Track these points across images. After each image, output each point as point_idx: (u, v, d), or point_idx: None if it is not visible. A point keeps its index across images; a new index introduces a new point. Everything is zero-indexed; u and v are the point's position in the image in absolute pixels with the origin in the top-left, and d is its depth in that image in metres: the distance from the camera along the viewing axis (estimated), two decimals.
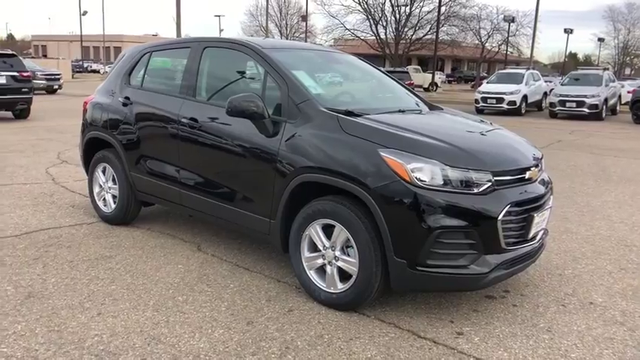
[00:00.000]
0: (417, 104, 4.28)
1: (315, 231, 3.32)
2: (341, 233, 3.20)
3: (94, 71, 58.45)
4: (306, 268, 3.41)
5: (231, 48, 4.03)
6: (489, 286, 3.37)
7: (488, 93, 19.62)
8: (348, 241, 3.19)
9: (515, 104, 18.99)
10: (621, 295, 3.70)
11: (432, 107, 4.38)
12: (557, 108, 18.27)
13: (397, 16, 35.16)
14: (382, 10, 34.85)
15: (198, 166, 4.05)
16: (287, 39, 45.79)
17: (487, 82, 21.26)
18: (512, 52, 50.99)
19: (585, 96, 17.75)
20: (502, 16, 42.95)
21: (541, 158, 3.66)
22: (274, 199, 3.49)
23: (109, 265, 3.94)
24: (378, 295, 3.23)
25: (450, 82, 58.38)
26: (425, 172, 2.97)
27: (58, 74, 24.29)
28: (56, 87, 23.58)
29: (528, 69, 21.43)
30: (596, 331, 3.16)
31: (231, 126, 3.72)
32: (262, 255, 4.22)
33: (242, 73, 3.99)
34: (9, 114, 13.53)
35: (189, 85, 4.15)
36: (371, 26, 35.79)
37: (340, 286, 3.25)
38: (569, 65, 58.11)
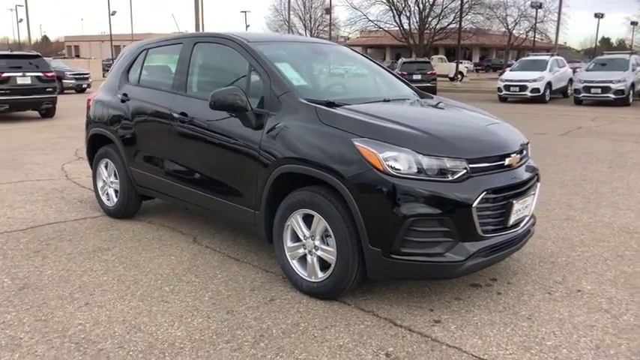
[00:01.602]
0: (406, 93, 4.26)
1: (296, 221, 3.36)
2: (319, 223, 3.24)
3: None
4: (288, 258, 3.46)
5: (219, 43, 4.09)
6: (467, 274, 3.35)
7: (511, 81, 19.25)
8: (326, 231, 3.22)
9: (539, 92, 18.58)
10: (612, 282, 3.63)
11: (422, 96, 4.35)
12: (582, 94, 17.78)
13: (420, 5, 34.73)
14: (405, 0, 34.45)
15: (189, 159, 4.14)
16: (311, 32, 45.78)
17: (510, 70, 20.86)
18: (542, 39, 49.79)
19: (611, 81, 17.22)
20: (529, 2, 41.94)
21: (526, 144, 3.61)
22: (258, 191, 3.54)
23: (105, 257, 4.07)
24: (357, 284, 3.25)
25: (477, 70, 57.44)
26: (398, 161, 2.97)
27: (87, 74, 24.89)
28: (85, 86, 24.18)
29: (552, 55, 20.92)
30: (577, 319, 3.11)
31: (217, 119, 3.79)
32: (254, 246, 4.28)
33: (229, 67, 4.05)
34: (36, 113, 13.99)
35: (181, 80, 4.24)
36: (394, 17, 35.44)
37: (320, 275, 3.29)
38: (601, 50, 56.40)
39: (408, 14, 34.99)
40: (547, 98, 18.96)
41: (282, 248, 3.49)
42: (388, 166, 2.96)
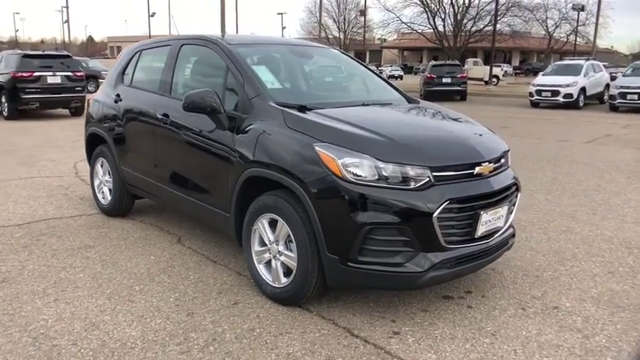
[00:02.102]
0: (391, 98, 4.18)
1: (262, 225, 3.34)
2: (283, 228, 3.21)
3: None
4: (255, 262, 3.44)
5: (202, 45, 4.11)
6: (430, 286, 3.26)
7: (543, 86, 18.71)
8: (289, 236, 3.18)
9: (572, 97, 17.98)
10: (594, 300, 3.46)
11: (410, 101, 4.27)
12: (618, 101, 17.09)
13: (456, 7, 34.14)
14: (440, 2, 33.97)
15: (170, 160, 4.18)
16: (345, 34, 45.74)
17: (542, 74, 20.26)
18: (585, 43, 48.21)
19: None
20: (571, 4, 40.70)
21: (505, 153, 3.48)
22: (229, 193, 3.54)
23: (88, 254, 4.15)
24: (318, 292, 3.20)
25: (517, 74, 56.08)
26: (357, 167, 2.91)
27: None
28: None
29: (588, 59, 20.22)
30: (545, 337, 2.97)
31: (193, 121, 3.80)
32: (235, 249, 4.27)
33: (210, 69, 4.06)
34: (66, 111, 14.45)
35: (166, 81, 4.28)
36: (428, 19, 35.01)
37: (283, 281, 3.26)
38: None
39: (442, 16, 34.53)
40: (581, 104, 18.33)
41: (249, 252, 3.47)
42: (347, 172, 2.90)
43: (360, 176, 2.90)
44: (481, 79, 33.65)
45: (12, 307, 3.26)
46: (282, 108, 3.33)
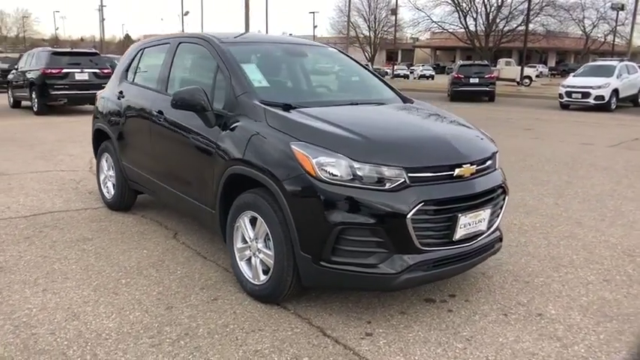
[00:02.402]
0: (385, 97, 4.15)
1: (243, 223, 3.37)
2: (262, 226, 3.22)
3: None
4: (237, 259, 3.47)
5: (196, 43, 4.16)
6: (405, 288, 3.22)
7: (573, 87, 18.22)
8: (268, 234, 3.19)
9: (604, 99, 17.45)
10: (582, 308, 3.36)
11: (405, 100, 4.23)
12: None
13: (487, 7, 33.48)
14: (472, 1, 33.39)
15: (164, 157, 4.25)
16: (375, 33, 45.48)
17: (573, 75, 19.71)
18: (627, 43, 46.55)
19: None
20: (609, 3, 39.41)
21: (491, 156, 3.40)
22: (214, 190, 3.57)
23: (85, 246, 4.25)
24: (296, 290, 3.20)
25: (553, 75, 54.76)
26: (331, 167, 2.90)
27: None
28: None
29: (622, 60, 19.57)
30: (521, 345, 2.90)
31: (185, 119, 3.86)
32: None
33: (203, 67, 4.10)
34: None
35: (163, 79, 4.36)
36: (460, 18, 34.46)
37: (262, 278, 3.27)
38: None
39: (474, 15, 33.91)
40: (613, 106, 17.77)
41: (232, 249, 3.50)
42: (321, 171, 2.90)
43: (335, 176, 2.89)
44: (513, 80, 32.99)
45: (1, 295, 3.37)
46: (265, 106, 3.35)
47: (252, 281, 3.34)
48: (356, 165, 2.89)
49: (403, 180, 2.91)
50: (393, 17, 43.98)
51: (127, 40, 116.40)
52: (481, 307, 3.35)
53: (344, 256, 2.91)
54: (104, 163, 5.33)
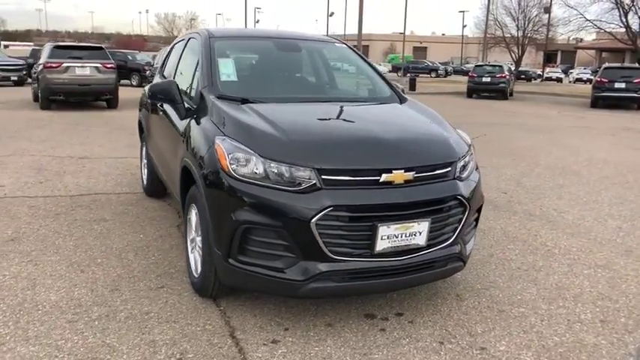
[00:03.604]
0: (367, 96, 3.95)
1: (190, 215, 3.41)
2: (197, 219, 3.23)
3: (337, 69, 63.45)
4: (189, 251, 3.52)
5: (194, 38, 4.29)
6: (315, 297, 3.01)
7: None
8: None
9: None
10: (542, 350, 2.84)
11: (402, 100, 3.93)
12: None
13: None
14: None
15: (160, 147, 4.48)
16: (524, 33, 42.35)
17: None
18: None
19: None
20: None
21: (449, 164, 3.01)
22: (178, 183, 3.66)
23: (95, 227, 4.62)
24: (222, 288, 3.15)
25: None
26: (243, 163, 2.82)
27: None
28: None
29: None
30: None
31: (170, 111, 4.00)
32: None
33: (193, 60, 4.18)
34: None
35: (173, 72, 4.57)
36: (620, 16, 30.58)
37: (199, 271, 3.28)
38: None
39: (638, 12, 29.83)
40: None
41: (185, 240, 3.56)
42: (233, 167, 2.83)
43: (245, 173, 2.80)
44: None
45: None
46: (214, 100, 3.35)
47: (193, 274, 3.37)
48: (268, 163, 2.77)
49: (314, 182, 2.71)
50: (545, 16, 40.65)
51: None
52: (421, 330, 3.00)
53: (252, 256, 2.81)
54: (143, 152, 5.73)
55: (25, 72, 20.78)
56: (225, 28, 4.43)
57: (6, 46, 45.87)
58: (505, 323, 3.11)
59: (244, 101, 3.36)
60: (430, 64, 54.71)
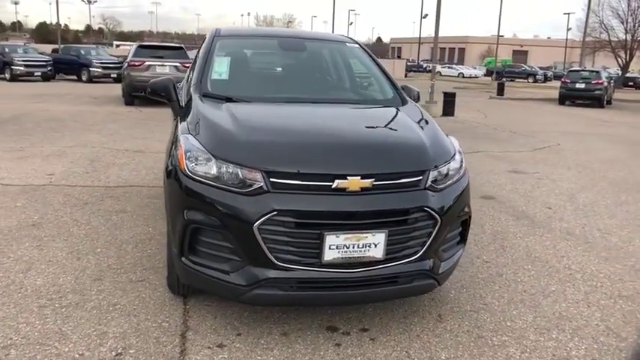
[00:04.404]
0: (366, 98, 3.76)
1: None
2: None
3: (428, 71, 62.18)
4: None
5: (209, 37, 4.31)
6: (260, 305, 2.90)
7: None
8: None
9: None
10: None
11: (404, 103, 3.71)
12: None
13: None
14: None
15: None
16: (632, 36, 38.76)
17: None
18: None
19: None
20: None
21: (419, 172, 2.77)
22: None
23: (113, 217, 4.82)
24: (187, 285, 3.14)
25: None
26: (195, 162, 2.78)
27: None
28: None
29: None
30: None
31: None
32: None
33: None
34: None
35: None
36: None
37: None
38: None
39: None
40: None
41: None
42: (188, 165, 2.80)
43: (200, 172, 2.76)
44: None
45: (6, 245, 4.06)
46: (196, 98, 3.36)
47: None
48: (220, 164, 2.71)
49: (261, 185, 2.61)
50: None
51: (379, 43, 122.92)
52: (378, 350, 2.79)
53: (201, 257, 2.77)
54: None
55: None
56: (236, 27, 4.44)
57: (117, 46, 49.43)
58: (477, 352, 2.82)
59: (228, 100, 3.33)
60: (528, 68, 51.88)
